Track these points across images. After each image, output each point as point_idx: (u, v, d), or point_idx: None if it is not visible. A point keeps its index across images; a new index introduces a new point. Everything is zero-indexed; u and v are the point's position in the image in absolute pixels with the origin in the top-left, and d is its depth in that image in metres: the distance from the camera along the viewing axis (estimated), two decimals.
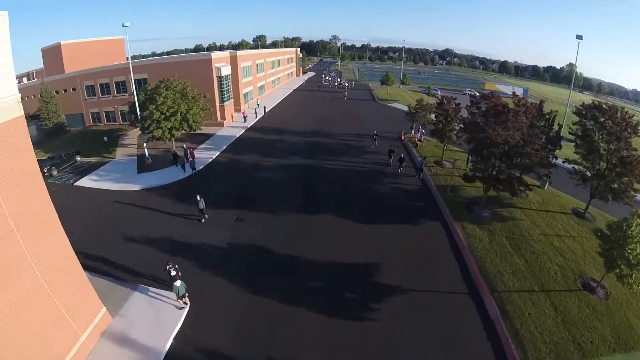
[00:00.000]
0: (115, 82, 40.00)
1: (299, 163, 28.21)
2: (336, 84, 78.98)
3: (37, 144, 30.75)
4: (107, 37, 55.08)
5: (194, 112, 29.00)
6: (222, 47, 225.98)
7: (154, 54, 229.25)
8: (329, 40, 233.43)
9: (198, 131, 31.50)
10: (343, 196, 22.28)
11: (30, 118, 36.60)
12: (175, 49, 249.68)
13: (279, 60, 69.78)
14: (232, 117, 41.96)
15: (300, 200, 21.75)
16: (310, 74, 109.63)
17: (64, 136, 39.85)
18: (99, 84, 40.71)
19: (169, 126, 27.56)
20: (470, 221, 18.87)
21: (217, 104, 38.13)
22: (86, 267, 12.26)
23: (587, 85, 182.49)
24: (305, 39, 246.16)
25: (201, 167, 27.21)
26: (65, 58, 49.01)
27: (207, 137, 34.91)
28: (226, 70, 37.98)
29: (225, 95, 38.80)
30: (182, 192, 22.54)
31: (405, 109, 47.67)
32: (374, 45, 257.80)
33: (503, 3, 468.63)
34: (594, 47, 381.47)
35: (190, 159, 25.97)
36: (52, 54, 50.75)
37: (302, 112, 48.37)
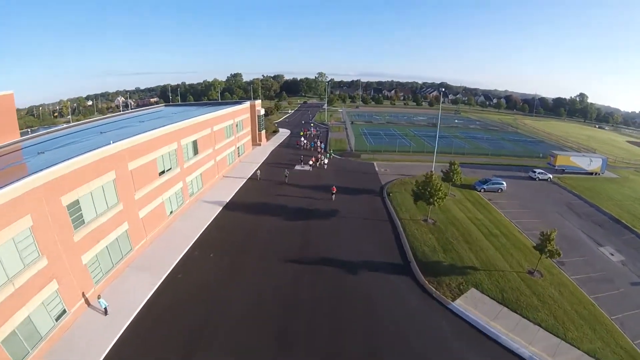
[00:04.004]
0: None
1: None
2: (311, 164, 45.22)
3: None
4: None
5: None
6: (190, 88, 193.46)
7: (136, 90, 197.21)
8: (314, 77, 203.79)
9: None
10: None
11: None
12: (158, 85, 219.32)
13: (195, 141, 33.76)
14: None
15: None
16: (284, 133, 74.72)
17: None
18: None
19: None
20: None
21: None
22: None
23: (600, 117, 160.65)
24: (288, 76, 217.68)
25: None
26: None
27: None
28: None
29: None
30: None
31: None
32: (364, 79, 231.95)
33: (487, 28, 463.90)
34: (593, 67, 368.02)
35: None
36: None
37: None
